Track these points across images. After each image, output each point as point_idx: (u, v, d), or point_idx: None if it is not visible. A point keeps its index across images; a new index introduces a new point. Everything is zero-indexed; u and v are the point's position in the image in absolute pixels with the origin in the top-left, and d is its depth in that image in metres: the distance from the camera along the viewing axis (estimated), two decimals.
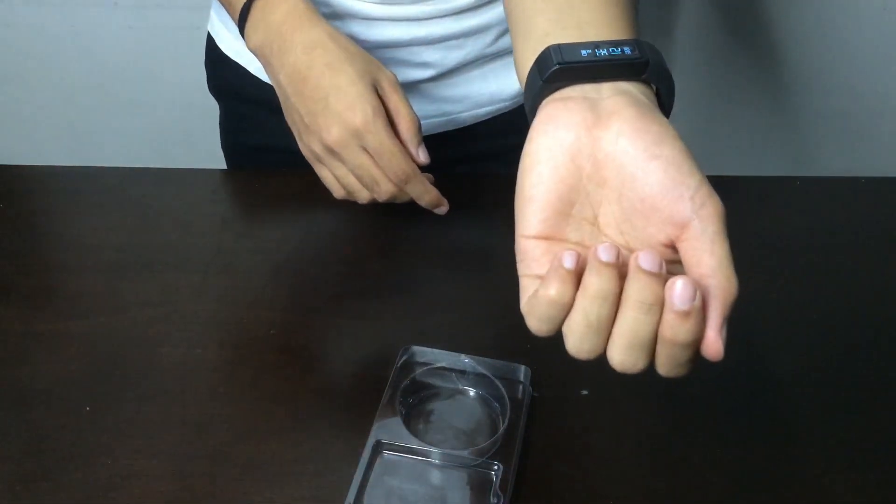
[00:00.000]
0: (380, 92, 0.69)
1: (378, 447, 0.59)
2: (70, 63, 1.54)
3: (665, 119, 0.44)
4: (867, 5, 1.43)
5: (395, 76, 0.71)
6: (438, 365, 0.64)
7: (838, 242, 0.80)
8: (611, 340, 0.40)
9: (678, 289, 0.38)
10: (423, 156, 0.71)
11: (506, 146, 0.68)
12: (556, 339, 0.68)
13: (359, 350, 0.67)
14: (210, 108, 0.98)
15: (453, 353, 0.64)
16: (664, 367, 0.41)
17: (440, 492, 0.57)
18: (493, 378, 0.63)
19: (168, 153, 1.62)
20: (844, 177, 0.90)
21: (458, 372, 0.64)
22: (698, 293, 0.38)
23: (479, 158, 0.94)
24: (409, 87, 0.87)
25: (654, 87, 0.46)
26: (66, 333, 0.68)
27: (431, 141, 0.73)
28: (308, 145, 0.71)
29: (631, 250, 0.42)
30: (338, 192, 0.74)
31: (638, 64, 0.44)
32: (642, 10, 1.48)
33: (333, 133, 0.67)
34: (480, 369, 0.63)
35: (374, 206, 0.75)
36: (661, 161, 0.41)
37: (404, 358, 0.65)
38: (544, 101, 0.45)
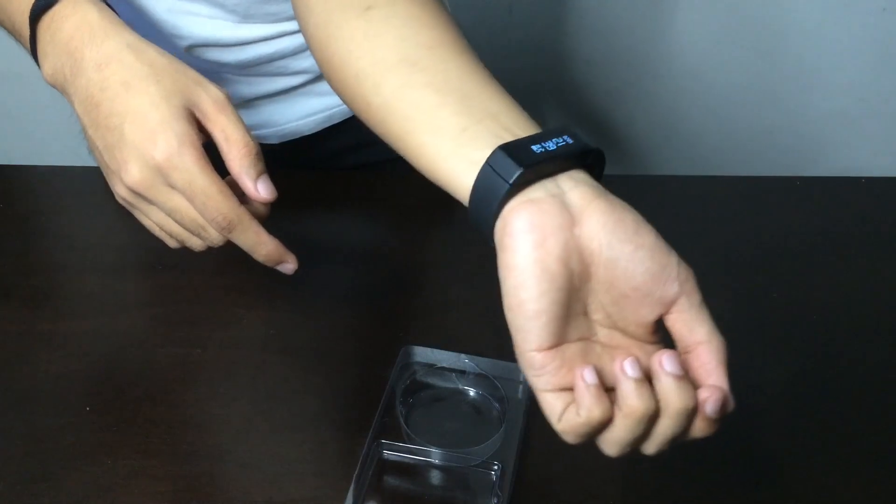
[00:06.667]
0: (199, 115, 0.55)
1: (378, 447, 0.59)
2: None
3: (625, 203, 0.44)
4: (867, 5, 1.43)
5: (223, 93, 0.56)
6: (438, 365, 0.64)
7: (838, 242, 0.80)
8: (648, 441, 0.43)
9: (711, 405, 0.42)
10: (263, 190, 0.56)
11: None
12: None
13: (359, 350, 0.67)
14: None
15: (453, 353, 0.64)
16: (660, 447, 0.43)
17: (440, 492, 0.58)
18: (493, 378, 0.63)
19: None
20: (844, 177, 0.90)
21: (458, 372, 0.64)
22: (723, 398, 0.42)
23: (370, 143, 0.89)
24: (290, 92, 0.85)
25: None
26: (66, 333, 0.68)
27: (318, 137, 0.65)
28: (114, 189, 0.58)
29: (621, 331, 0.44)
30: (169, 242, 0.60)
31: (581, 152, 0.44)
32: (641, 12, 1.48)
33: (132, 172, 0.53)
34: (480, 369, 0.63)
35: (375, 206, 0.75)
36: (645, 250, 0.42)
37: (404, 358, 0.65)
38: (510, 206, 0.43)
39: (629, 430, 0.42)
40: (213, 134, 0.55)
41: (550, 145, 0.43)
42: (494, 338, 0.68)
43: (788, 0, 1.43)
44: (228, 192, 0.54)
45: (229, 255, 0.76)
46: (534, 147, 0.43)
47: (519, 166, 0.42)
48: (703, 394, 0.42)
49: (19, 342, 0.67)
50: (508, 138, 0.45)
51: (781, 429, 0.62)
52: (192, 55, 0.78)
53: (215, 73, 0.81)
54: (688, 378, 0.42)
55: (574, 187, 0.43)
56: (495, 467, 0.58)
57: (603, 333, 0.44)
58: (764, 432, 0.61)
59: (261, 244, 0.57)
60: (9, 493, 0.57)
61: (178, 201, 0.55)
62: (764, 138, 1.59)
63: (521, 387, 0.63)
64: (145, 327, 0.69)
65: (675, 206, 0.81)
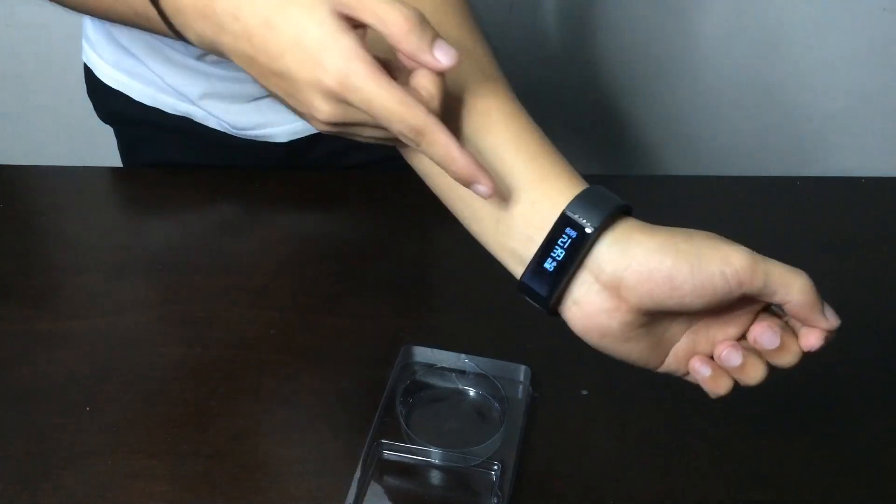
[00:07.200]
0: (347, 12, 0.48)
1: (378, 447, 0.59)
2: (70, 63, 1.53)
3: (656, 239, 0.45)
4: (867, 5, 1.43)
5: None
6: (438, 365, 0.64)
7: (838, 242, 0.80)
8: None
9: (814, 346, 0.49)
10: (442, 56, 0.48)
11: None
12: (556, 338, 0.68)
13: (359, 350, 0.67)
14: None
15: (453, 353, 0.64)
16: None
17: (440, 492, 0.58)
18: (493, 378, 0.63)
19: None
20: (844, 177, 0.90)
21: (458, 372, 0.64)
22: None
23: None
24: None
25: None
26: (66, 333, 0.68)
27: (320, 135, 0.63)
28: (319, 129, 0.54)
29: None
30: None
31: (589, 239, 0.46)
32: (642, 12, 1.48)
33: (321, 110, 0.49)
34: (480, 369, 0.63)
35: (373, 205, 0.75)
36: (689, 296, 0.44)
37: (404, 358, 0.65)
38: (561, 308, 0.48)
39: (752, 384, 0.48)
40: (368, 23, 0.49)
41: (559, 252, 0.46)
42: (494, 338, 0.68)
43: (788, 0, 1.43)
44: (409, 100, 0.48)
45: (229, 255, 0.77)
46: (548, 266, 0.47)
47: (545, 290, 0.47)
48: (807, 342, 0.48)
49: (19, 342, 0.67)
50: (533, 230, 0.48)
51: (781, 429, 0.62)
52: (201, 51, 0.78)
53: (227, 64, 0.81)
54: (785, 342, 0.47)
55: (601, 271, 0.46)
56: (495, 467, 0.58)
57: (702, 315, 0.48)
58: (763, 432, 0.61)
59: (451, 158, 0.49)
60: (9, 493, 0.57)
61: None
62: (764, 138, 1.58)
63: (520, 387, 0.63)
64: (145, 327, 0.69)
65: (675, 206, 0.81)
